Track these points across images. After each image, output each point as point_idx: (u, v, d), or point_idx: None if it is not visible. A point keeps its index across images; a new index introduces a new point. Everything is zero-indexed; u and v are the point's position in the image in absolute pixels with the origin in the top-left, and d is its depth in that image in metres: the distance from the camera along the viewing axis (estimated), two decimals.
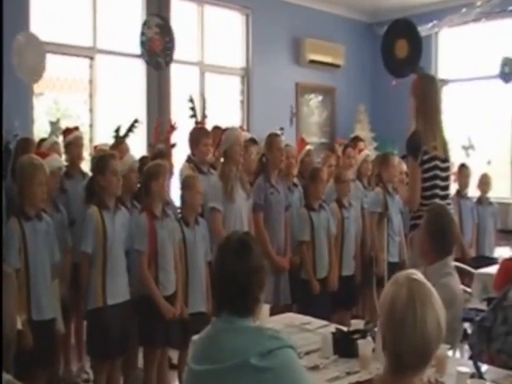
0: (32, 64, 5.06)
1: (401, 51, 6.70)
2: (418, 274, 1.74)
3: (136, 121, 4.96)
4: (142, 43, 5.95)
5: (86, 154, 5.30)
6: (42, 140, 5.06)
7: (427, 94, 3.92)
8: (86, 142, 5.43)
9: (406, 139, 3.92)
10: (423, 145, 3.82)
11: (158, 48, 5.85)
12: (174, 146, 5.03)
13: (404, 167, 5.73)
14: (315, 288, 4.82)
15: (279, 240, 4.81)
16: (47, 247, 3.64)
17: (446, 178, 3.99)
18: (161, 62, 6.08)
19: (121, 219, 3.92)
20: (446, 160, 3.95)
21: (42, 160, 3.76)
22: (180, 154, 5.08)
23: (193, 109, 5.42)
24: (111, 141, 4.94)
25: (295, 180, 5.29)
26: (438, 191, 3.87)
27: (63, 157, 4.74)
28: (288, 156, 5.05)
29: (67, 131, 4.88)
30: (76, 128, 4.96)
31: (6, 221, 3.55)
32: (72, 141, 4.75)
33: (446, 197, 3.93)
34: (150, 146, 5.01)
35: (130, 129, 4.92)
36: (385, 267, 5.22)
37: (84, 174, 4.74)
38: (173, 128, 5.10)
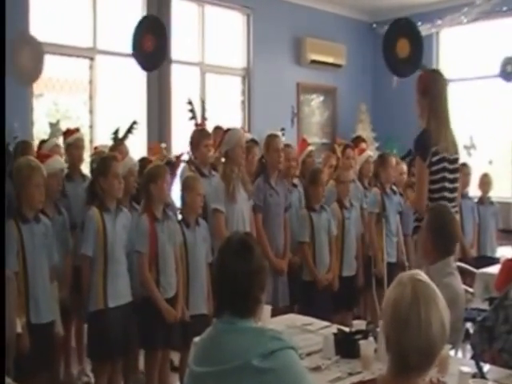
0: (28, 65, 5.04)
1: (402, 51, 6.69)
2: (422, 275, 1.73)
3: (135, 122, 4.94)
4: (134, 43, 5.91)
5: (86, 155, 5.28)
6: (43, 141, 5.05)
7: (439, 92, 3.79)
8: (86, 143, 5.40)
9: (414, 138, 3.79)
10: (434, 145, 3.68)
11: (149, 49, 5.81)
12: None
13: (404, 167, 5.73)
14: (321, 283, 4.81)
15: (278, 242, 4.79)
16: (45, 249, 3.63)
17: (455, 180, 3.86)
18: (152, 63, 6.04)
19: (122, 221, 3.90)
20: (454, 161, 3.83)
21: (41, 162, 3.76)
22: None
23: (192, 111, 5.42)
24: (111, 142, 4.92)
25: (295, 181, 5.28)
26: (446, 194, 3.76)
27: (64, 158, 4.72)
28: (288, 157, 5.04)
29: (68, 132, 4.86)
30: (77, 129, 4.94)
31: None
32: (72, 143, 4.72)
33: (453, 199, 3.82)
34: (149, 148, 4.98)
35: (129, 130, 4.91)
36: (384, 267, 5.22)
37: (84, 177, 4.71)
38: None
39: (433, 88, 3.79)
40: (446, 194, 3.77)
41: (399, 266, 5.32)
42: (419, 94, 3.83)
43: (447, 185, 3.78)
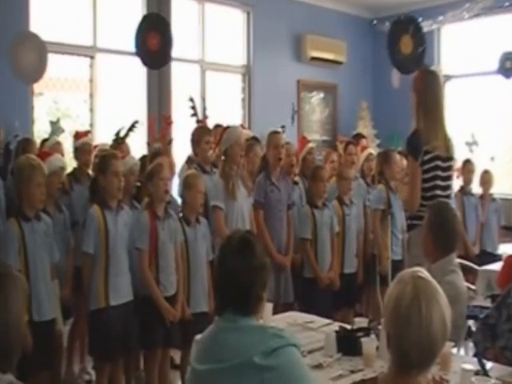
0: (31, 64, 5.03)
1: (406, 47, 6.69)
2: (423, 272, 1.73)
3: (136, 121, 4.94)
4: (137, 42, 5.90)
5: None
6: (45, 140, 5.06)
7: (429, 90, 3.79)
8: None
9: (406, 138, 3.81)
10: (424, 144, 3.69)
11: (154, 47, 5.80)
12: (170, 142, 4.99)
13: (404, 164, 5.71)
14: (323, 282, 4.80)
15: (280, 238, 4.79)
16: (46, 247, 3.63)
17: (448, 178, 3.87)
18: (157, 62, 6.02)
19: (123, 219, 3.90)
20: (448, 159, 3.83)
21: (41, 160, 3.75)
22: (182, 153, 5.06)
23: (193, 108, 5.41)
24: (111, 141, 4.92)
25: (296, 178, 5.27)
26: (438, 192, 3.76)
27: (66, 158, 4.73)
28: (288, 154, 5.03)
29: (77, 135, 4.91)
30: (86, 133, 4.98)
31: (5, 221, 3.54)
32: (79, 147, 4.80)
33: (447, 197, 3.82)
34: (147, 145, 4.98)
35: (130, 129, 4.90)
36: (389, 265, 5.20)
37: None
38: (168, 123, 5.04)
39: (424, 87, 3.80)
40: (439, 192, 3.77)
41: (404, 263, 5.30)
42: (413, 92, 3.85)
43: (439, 183, 3.78)
